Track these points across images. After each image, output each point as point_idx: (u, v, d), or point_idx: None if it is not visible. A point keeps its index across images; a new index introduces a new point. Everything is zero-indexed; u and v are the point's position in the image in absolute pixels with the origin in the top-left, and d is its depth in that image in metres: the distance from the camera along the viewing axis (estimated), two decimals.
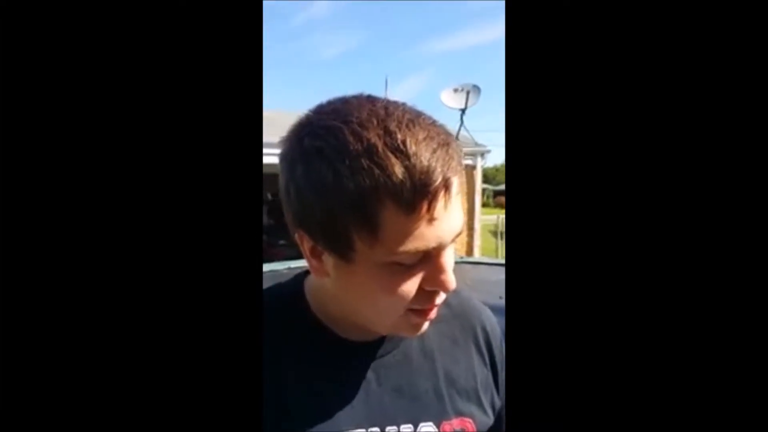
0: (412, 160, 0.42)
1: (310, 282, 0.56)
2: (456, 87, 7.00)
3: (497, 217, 11.78)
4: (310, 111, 0.49)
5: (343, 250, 0.46)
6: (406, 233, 0.43)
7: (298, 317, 0.55)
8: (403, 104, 0.47)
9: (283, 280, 0.59)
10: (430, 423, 0.55)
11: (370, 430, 0.52)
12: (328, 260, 0.48)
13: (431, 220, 0.43)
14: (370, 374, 0.54)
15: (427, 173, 0.42)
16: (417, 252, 0.44)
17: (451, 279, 0.47)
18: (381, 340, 0.56)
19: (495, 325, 0.64)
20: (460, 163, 0.45)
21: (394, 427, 0.53)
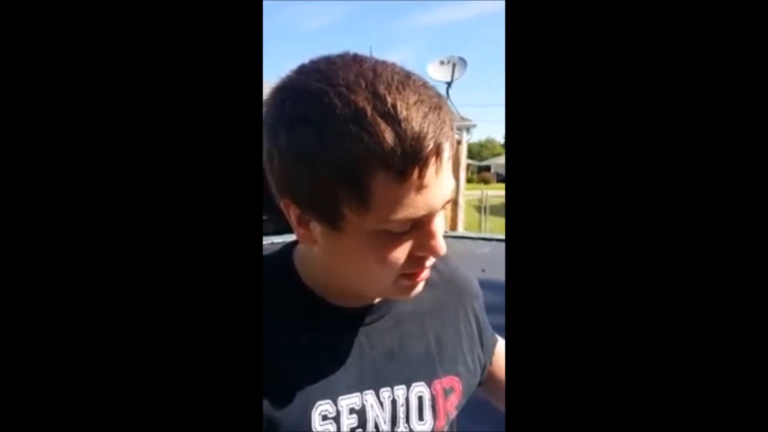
0: (403, 125, 0.40)
1: (299, 251, 0.56)
2: (442, 59, 6.93)
3: (481, 192, 11.87)
4: (292, 72, 0.46)
5: (331, 219, 0.44)
6: (397, 201, 0.42)
7: (288, 286, 0.54)
8: (393, 64, 0.44)
9: (266, 253, 0.59)
10: (422, 383, 0.56)
11: (364, 393, 0.53)
12: (316, 228, 0.47)
13: (422, 187, 0.42)
14: (362, 339, 0.54)
15: (419, 139, 0.40)
16: (407, 220, 0.43)
17: (441, 244, 0.46)
18: (372, 306, 0.56)
19: (479, 292, 0.66)
20: (451, 128, 0.43)
21: (388, 389, 0.54)
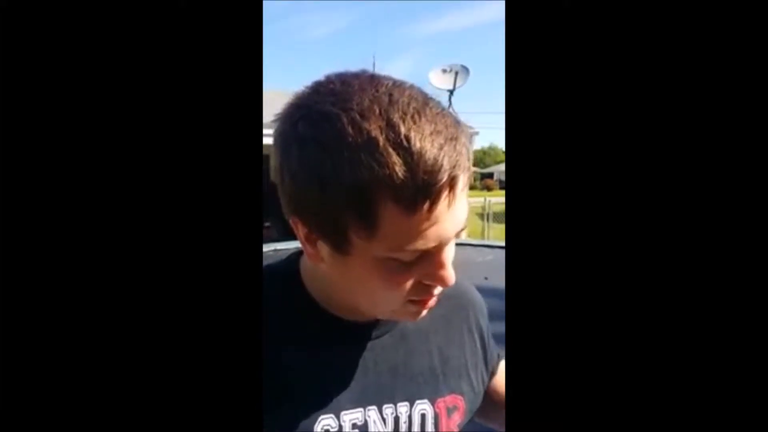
0: (416, 157, 0.38)
1: (306, 263, 0.55)
2: (444, 67, 6.94)
3: (484, 199, 11.85)
4: (307, 89, 0.45)
5: (338, 242, 0.44)
6: (406, 233, 0.41)
7: (293, 297, 0.54)
8: (410, 88, 0.43)
9: (270, 262, 0.58)
10: (425, 400, 0.55)
11: (367, 408, 0.52)
12: (323, 248, 0.46)
13: (433, 220, 0.41)
14: (366, 354, 0.54)
15: (432, 172, 0.39)
16: (416, 251, 0.42)
17: (450, 275, 0.45)
18: (377, 321, 0.55)
19: (483, 306, 0.66)
20: (468, 158, 0.42)
21: (391, 406, 0.54)
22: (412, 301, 0.47)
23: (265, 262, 0.58)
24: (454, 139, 0.41)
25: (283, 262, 0.58)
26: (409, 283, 0.45)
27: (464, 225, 0.45)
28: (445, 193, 0.40)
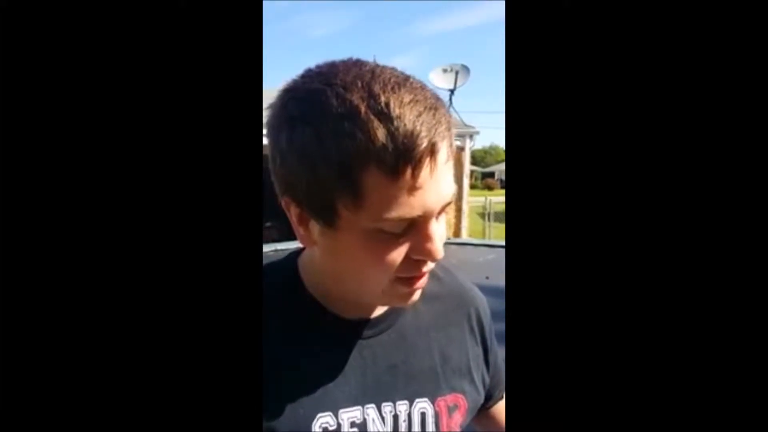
0: (396, 123, 0.40)
1: (304, 260, 0.56)
2: (445, 67, 6.95)
3: (485, 198, 11.86)
4: (297, 76, 0.47)
5: (327, 216, 0.45)
6: (390, 200, 0.42)
7: (292, 295, 0.54)
8: (393, 68, 0.45)
9: (270, 261, 0.59)
10: (426, 399, 0.55)
11: (366, 406, 0.52)
12: (315, 228, 0.47)
13: (416, 186, 0.42)
14: (366, 352, 0.54)
15: (411, 137, 0.40)
16: (401, 220, 0.43)
17: (438, 248, 0.46)
18: (376, 319, 0.55)
19: (485, 305, 0.66)
20: (448, 129, 0.43)
21: (390, 404, 0.54)
22: (401, 280, 0.47)
23: (265, 263, 0.58)
24: (433, 108, 0.42)
25: (283, 260, 0.58)
26: (397, 258, 0.45)
27: (451, 199, 0.46)
28: (427, 160, 0.42)
